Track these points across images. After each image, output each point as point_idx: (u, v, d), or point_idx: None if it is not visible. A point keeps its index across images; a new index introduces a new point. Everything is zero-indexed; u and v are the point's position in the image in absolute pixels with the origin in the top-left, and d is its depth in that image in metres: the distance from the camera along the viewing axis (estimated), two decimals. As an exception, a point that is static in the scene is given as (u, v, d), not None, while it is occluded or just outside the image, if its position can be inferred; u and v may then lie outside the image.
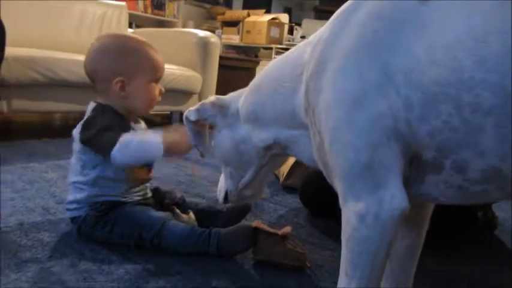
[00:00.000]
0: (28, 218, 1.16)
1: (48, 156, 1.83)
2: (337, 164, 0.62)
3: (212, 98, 0.97)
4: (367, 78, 0.58)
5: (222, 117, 0.96)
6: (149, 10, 4.88)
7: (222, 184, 1.08)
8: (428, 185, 0.60)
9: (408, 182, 0.61)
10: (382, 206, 0.58)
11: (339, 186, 0.63)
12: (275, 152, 0.91)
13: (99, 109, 1.08)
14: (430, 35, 0.55)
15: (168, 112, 3.10)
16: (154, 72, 1.13)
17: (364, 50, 0.59)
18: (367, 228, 0.59)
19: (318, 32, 0.71)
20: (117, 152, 0.98)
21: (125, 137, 1.00)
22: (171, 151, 1.02)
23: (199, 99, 2.95)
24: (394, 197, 0.58)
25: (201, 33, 2.91)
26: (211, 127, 1.02)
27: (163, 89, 1.17)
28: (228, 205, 1.24)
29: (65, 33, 2.76)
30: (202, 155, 1.04)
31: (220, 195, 1.09)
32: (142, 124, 1.18)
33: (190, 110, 0.98)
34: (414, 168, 0.60)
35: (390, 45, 0.57)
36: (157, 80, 1.14)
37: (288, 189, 1.68)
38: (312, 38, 0.74)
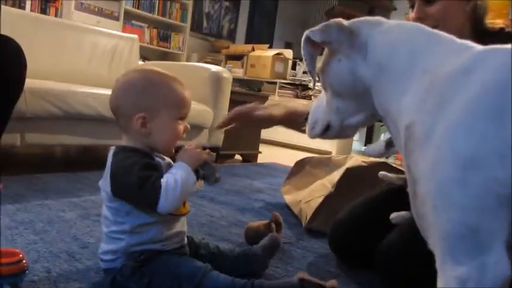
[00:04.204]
0: (55, 266, 1.09)
1: (62, 193, 1.77)
2: (438, 223, 0.59)
3: (338, 20, 0.84)
4: (490, 141, 0.55)
5: (348, 45, 0.82)
6: (155, 42, 4.91)
7: (320, 116, 0.94)
8: None
9: None
10: (485, 272, 0.55)
11: (436, 246, 0.60)
12: None
13: (119, 153, 1.01)
14: None
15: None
16: (179, 109, 1.05)
17: (493, 111, 0.56)
18: None
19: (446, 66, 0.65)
20: (164, 203, 0.94)
21: (165, 184, 0.94)
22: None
23: (210, 134, 2.92)
24: (497, 264, 0.55)
25: (213, 68, 2.90)
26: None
27: (188, 127, 1.10)
28: (263, 244, 1.21)
29: (77, 64, 2.74)
30: (313, 83, 0.95)
31: (317, 128, 0.95)
32: (167, 159, 1.10)
33: (312, 30, 0.85)
34: None
35: None
36: (182, 117, 1.07)
37: (312, 232, 1.63)
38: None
